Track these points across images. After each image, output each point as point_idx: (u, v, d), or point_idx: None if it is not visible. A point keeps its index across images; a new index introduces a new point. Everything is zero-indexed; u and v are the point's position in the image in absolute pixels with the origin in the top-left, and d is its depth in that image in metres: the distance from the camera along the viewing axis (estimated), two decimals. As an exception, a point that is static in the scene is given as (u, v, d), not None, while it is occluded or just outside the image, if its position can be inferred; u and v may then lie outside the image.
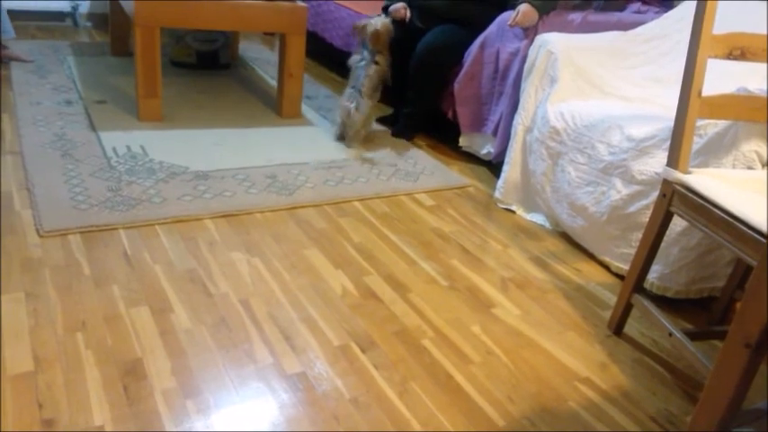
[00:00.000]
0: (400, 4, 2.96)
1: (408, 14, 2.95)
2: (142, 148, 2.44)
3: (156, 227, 1.93)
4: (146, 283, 1.66)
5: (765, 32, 1.50)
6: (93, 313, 1.51)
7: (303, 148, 2.66)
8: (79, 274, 1.65)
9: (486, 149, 2.71)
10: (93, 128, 2.56)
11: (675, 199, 1.49)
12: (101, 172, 2.20)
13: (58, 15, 4.20)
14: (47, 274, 1.63)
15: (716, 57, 1.47)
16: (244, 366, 1.41)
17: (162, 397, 1.29)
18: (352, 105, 2.69)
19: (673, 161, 1.49)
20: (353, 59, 2.79)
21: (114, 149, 2.39)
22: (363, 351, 1.51)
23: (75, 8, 4.18)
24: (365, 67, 2.70)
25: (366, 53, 2.72)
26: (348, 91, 2.74)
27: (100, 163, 2.27)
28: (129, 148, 2.42)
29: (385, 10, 3.00)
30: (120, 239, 1.84)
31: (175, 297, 1.61)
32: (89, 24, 4.29)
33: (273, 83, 3.48)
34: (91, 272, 1.67)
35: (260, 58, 4.06)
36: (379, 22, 2.68)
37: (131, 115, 2.74)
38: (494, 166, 2.67)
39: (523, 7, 2.47)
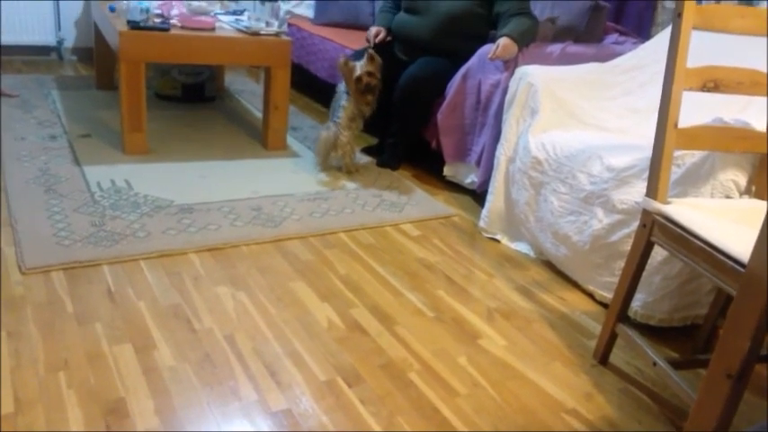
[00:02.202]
0: (376, 29, 3.04)
1: (382, 36, 3.01)
2: (127, 182, 2.44)
3: (141, 262, 1.92)
4: (129, 319, 1.64)
5: (736, 65, 1.55)
6: (76, 352, 1.49)
7: (288, 180, 2.68)
8: (62, 311, 1.64)
9: (470, 179, 2.73)
10: (77, 162, 2.56)
11: (656, 229, 1.51)
12: (84, 207, 2.19)
13: (43, 49, 4.22)
14: (29, 311, 1.62)
15: (691, 89, 1.51)
16: (228, 404, 1.40)
17: (145, 437, 1.28)
18: (330, 136, 2.74)
19: (651, 191, 1.52)
20: (339, 89, 2.86)
21: (98, 184, 2.39)
22: (350, 386, 1.50)
23: (60, 42, 4.21)
24: (343, 100, 2.78)
25: (344, 87, 2.80)
26: (327, 124, 2.80)
27: (84, 198, 2.26)
28: (113, 182, 2.42)
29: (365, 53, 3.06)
30: (103, 275, 1.82)
31: (159, 334, 1.60)
32: (74, 58, 4.31)
33: (259, 115, 3.51)
34: (74, 309, 1.65)
35: (245, 90, 4.09)
36: (363, 68, 2.72)
37: (116, 149, 2.75)
38: (478, 196, 2.69)
39: (503, 40, 2.52)
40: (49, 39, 4.16)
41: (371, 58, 2.74)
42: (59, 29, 4.17)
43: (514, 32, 2.56)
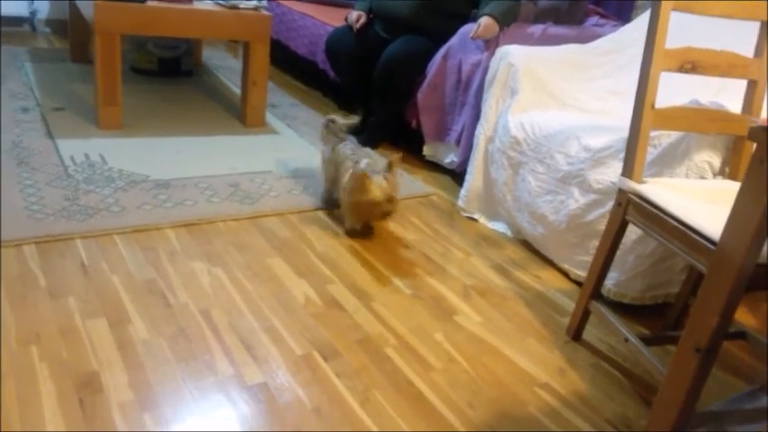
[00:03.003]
0: (357, 13, 2.99)
1: (363, 21, 2.97)
2: (101, 156, 2.40)
3: (115, 236, 1.90)
4: (103, 294, 1.62)
5: (713, 47, 1.56)
6: (48, 325, 1.48)
7: (267, 157, 2.65)
8: (34, 285, 1.61)
9: (450, 158, 2.74)
10: (50, 136, 2.51)
11: (630, 208, 1.53)
12: (57, 181, 2.15)
13: (15, 20, 4.11)
14: (0, 285, 1.59)
15: (668, 70, 1.52)
16: (203, 378, 1.39)
17: (119, 410, 1.27)
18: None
19: (627, 171, 1.53)
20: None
21: (72, 158, 2.35)
22: (326, 360, 1.51)
23: (33, 13, 4.10)
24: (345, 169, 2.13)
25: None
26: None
27: (57, 171, 2.22)
28: (87, 156, 2.38)
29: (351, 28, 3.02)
30: (76, 250, 1.80)
31: (133, 308, 1.59)
32: (48, 30, 4.21)
33: (237, 91, 3.46)
34: (46, 283, 1.63)
35: (224, 65, 4.04)
36: (384, 189, 1.99)
37: (90, 123, 2.70)
38: (457, 175, 2.70)
39: (484, 20, 2.51)
40: (21, 10, 4.05)
41: (390, 168, 2.03)
42: (32, 0, 4.06)
43: (496, 12, 2.56)
